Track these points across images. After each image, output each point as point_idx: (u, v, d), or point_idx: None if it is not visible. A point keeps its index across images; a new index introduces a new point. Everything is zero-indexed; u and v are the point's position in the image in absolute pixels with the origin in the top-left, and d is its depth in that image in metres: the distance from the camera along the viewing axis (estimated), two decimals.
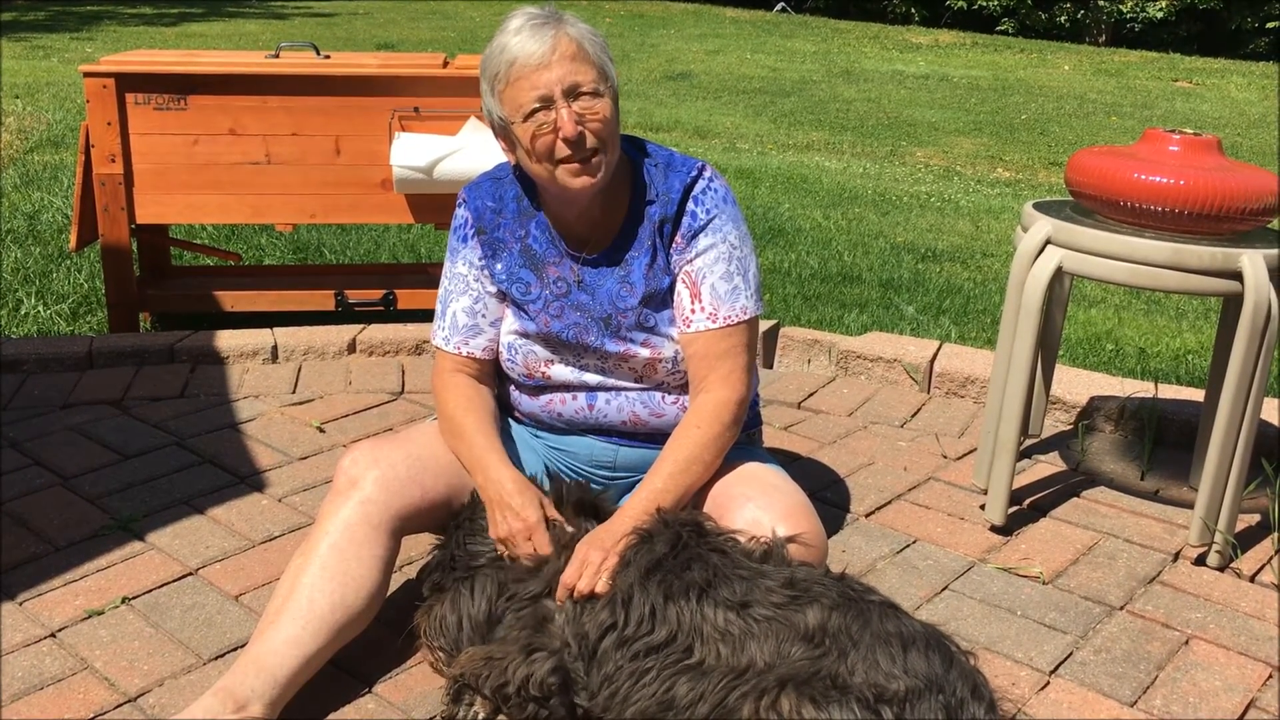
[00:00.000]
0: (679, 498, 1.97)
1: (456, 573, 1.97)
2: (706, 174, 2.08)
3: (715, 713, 1.64)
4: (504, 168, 2.15)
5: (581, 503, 2.01)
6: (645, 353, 2.08)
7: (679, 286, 2.07)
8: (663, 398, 2.13)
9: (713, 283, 2.05)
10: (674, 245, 2.06)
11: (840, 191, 6.82)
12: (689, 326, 2.06)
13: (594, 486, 2.14)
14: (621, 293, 2.06)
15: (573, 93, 1.91)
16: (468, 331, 2.14)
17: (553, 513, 1.97)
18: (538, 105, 1.90)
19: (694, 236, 2.05)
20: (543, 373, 2.13)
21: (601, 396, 2.13)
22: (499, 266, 2.11)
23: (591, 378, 2.12)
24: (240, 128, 3.50)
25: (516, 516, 1.94)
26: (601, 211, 2.06)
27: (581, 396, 2.14)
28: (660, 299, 2.07)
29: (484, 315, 2.14)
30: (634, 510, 1.92)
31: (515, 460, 2.10)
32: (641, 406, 2.13)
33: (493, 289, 2.13)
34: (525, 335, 2.12)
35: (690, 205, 2.05)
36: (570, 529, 1.96)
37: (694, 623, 1.72)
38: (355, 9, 18.03)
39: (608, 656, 1.76)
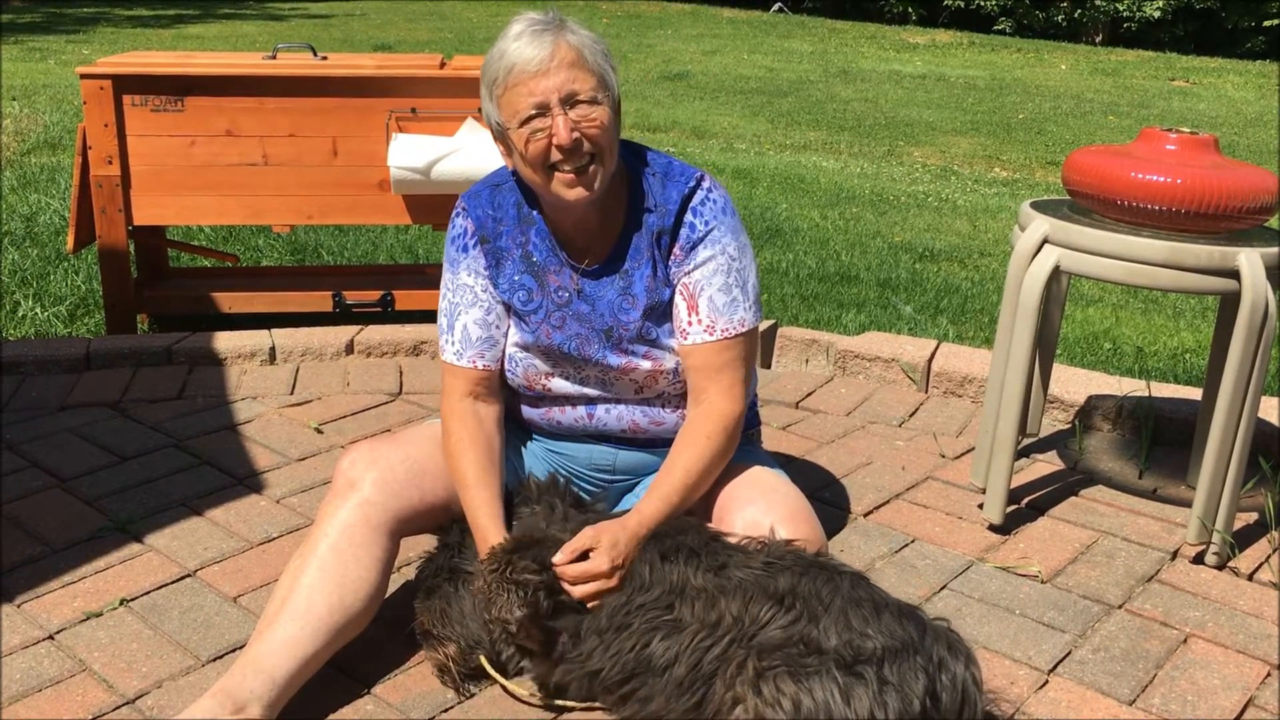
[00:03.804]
0: (683, 506, 1.99)
1: (444, 574, 2.00)
2: (705, 184, 2.05)
3: (691, 675, 1.68)
4: (502, 173, 2.12)
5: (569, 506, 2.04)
6: (647, 365, 2.07)
7: (677, 298, 2.05)
8: (662, 407, 2.13)
9: (710, 295, 2.02)
10: (672, 257, 2.03)
11: (837, 191, 6.82)
12: (686, 339, 2.04)
13: (588, 490, 2.17)
14: (623, 305, 2.04)
15: (570, 100, 1.88)
16: (483, 344, 2.08)
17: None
18: (534, 112, 1.88)
19: (692, 248, 2.02)
20: (543, 385, 2.11)
21: (601, 407, 2.12)
22: (501, 276, 2.08)
23: (592, 390, 2.11)
24: (237, 129, 3.50)
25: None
26: (599, 221, 2.03)
27: (581, 407, 2.13)
28: (662, 311, 2.05)
29: (497, 326, 2.09)
30: (647, 515, 1.93)
31: (517, 459, 2.12)
32: (641, 415, 2.12)
33: (500, 298, 2.12)
34: (525, 348, 2.09)
35: (688, 216, 2.02)
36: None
37: (678, 581, 1.79)
38: (352, 10, 18.03)
39: (599, 613, 1.82)
